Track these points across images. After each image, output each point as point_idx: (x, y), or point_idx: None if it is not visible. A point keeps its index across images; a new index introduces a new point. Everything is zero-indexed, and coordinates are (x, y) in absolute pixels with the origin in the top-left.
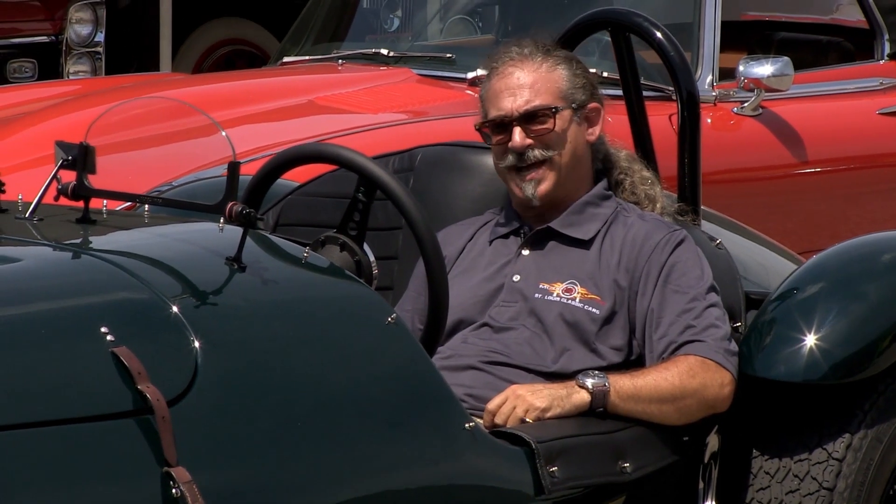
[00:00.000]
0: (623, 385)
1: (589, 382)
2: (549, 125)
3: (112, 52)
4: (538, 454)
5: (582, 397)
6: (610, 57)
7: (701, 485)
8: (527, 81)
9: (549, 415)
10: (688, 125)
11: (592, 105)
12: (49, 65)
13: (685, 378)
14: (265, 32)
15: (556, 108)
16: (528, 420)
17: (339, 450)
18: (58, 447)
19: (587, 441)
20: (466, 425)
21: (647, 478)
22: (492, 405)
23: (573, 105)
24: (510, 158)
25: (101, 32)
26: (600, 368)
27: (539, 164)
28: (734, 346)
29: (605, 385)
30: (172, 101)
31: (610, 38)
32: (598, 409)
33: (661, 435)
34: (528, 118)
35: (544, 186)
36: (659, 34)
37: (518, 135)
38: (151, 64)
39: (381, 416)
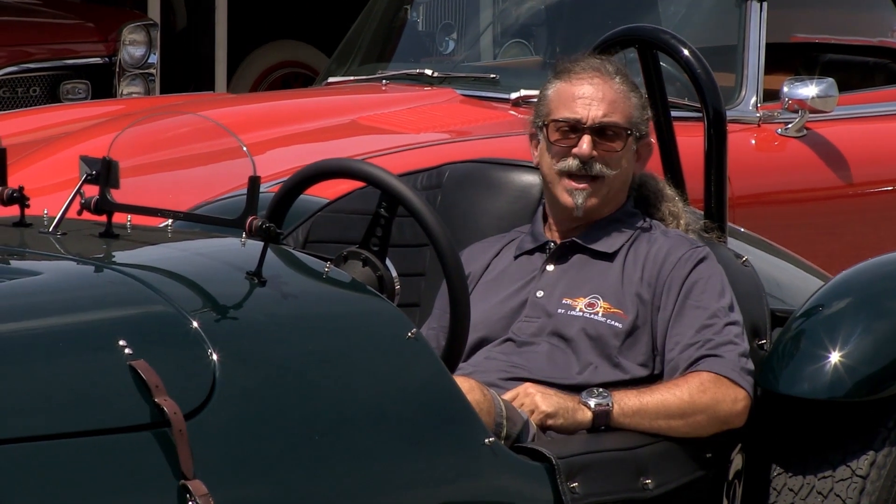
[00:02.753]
0: (628, 402)
1: (592, 402)
2: (618, 144)
3: (167, 75)
4: (559, 470)
5: (584, 415)
6: (674, 80)
7: (725, 502)
8: (608, 96)
9: (550, 422)
10: (714, 143)
11: (647, 140)
12: (102, 86)
13: (696, 394)
14: (321, 55)
15: (629, 130)
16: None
17: (358, 465)
18: (74, 459)
19: (608, 457)
20: (486, 441)
21: (670, 494)
22: (505, 396)
23: (636, 134)
24: (572, 163)
25: (155, 54)
26: (623, 382)
27: (596, 178)
28: (751, 364)
29: (608, 405)
30: (195, 116)
31: (637, 56)
32: (601, 428)
33: (684, 451)
34: (602, 131)
35: (592, 202)
36: (686, 51)
37: (587, 143)
38: (207, 86)
39: (401, 432)
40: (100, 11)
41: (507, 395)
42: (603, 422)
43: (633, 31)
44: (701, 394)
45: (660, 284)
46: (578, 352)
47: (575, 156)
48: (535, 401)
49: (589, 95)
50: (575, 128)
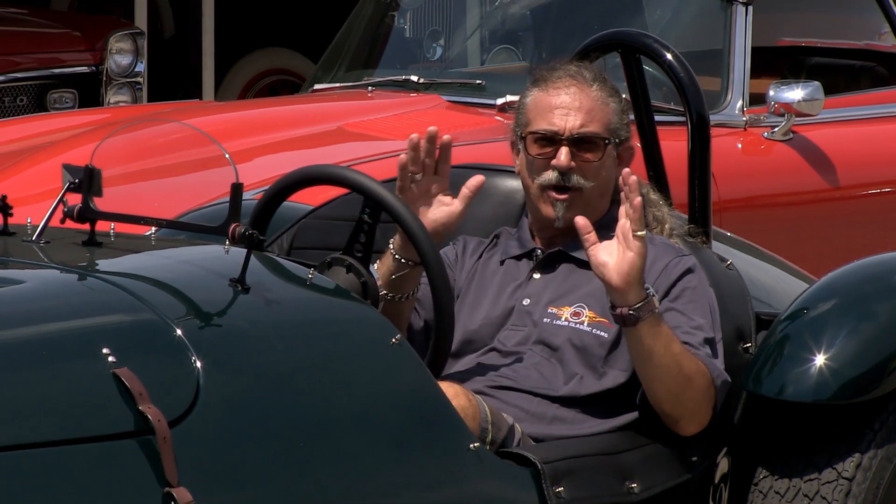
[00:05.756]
0: (665, 327)
1: (651, 291)
2: (597, 154)
3: (155, 83)
4: (544, 475)
5: (639, 292)
6: (661, 84)
7: None
8: (585, 105)
9: (627, 260)
10: (698, 147)
11: (629, 145)
12: (89, 95)
13: (698, 375)
14: (308, 62)
15: (608, 139)
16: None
17: (343, 472)
18: (59, 468)
19: (594, 461)
20: (472, 446)
21: (656, 498)
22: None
23: (616, 140)
24: (551, 175)
25: (142, 62)
26: (608, 392)
27: (574, 189)
28: (724, 389)
29: (656, 306)
30: (180, 125)
31: (620, 60)
32: (629, 315)
33: (670, 455)
34: (579, 142)
35: (572, 213)
36: (669, 55)
37: (565, 155)
38: (195, 94)
39: (386, 438)
40: (87, 20)
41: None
42: (644, 312)
43: (615, 35)
44: (700, 376)
45: None
46: (564, 362)
47: (554, 167)
48: (639, 248)
49: (566, 105)
50: (552, 139)
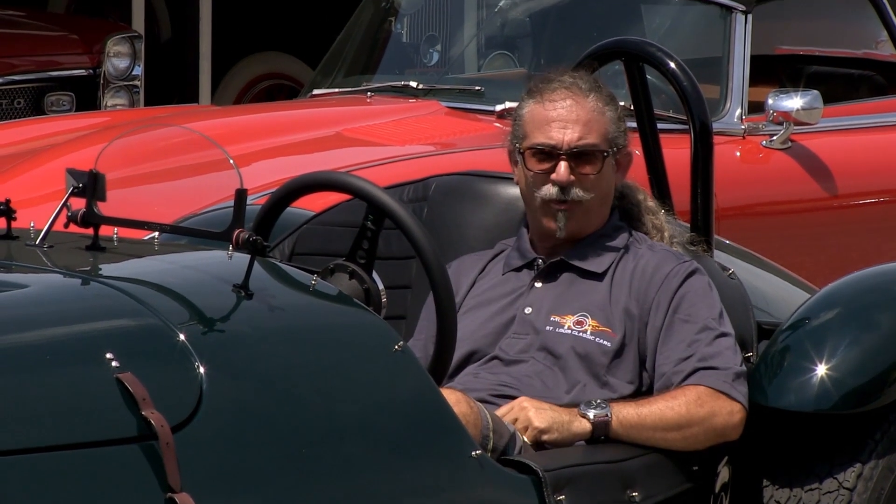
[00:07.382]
0: (627, 414)
1: (591, 413)
2: (596, 166)
3: (152, 86)
4: (545, 482)
5: (583, 426)
6: (659, 92)
7: None
8: (581, 117)
9: (546, 437)
10: (700, 156)
11: (627, 151)
12: (87, 98)
13: (693, 407)
14: (305, 67)
15: (606, 152)
16: (525, 438)
17: (345, 478)
18: (61, 472)
19: (595, 469)
20: (473, 453)
21: None
22: (499, 412)
23: (613, 149)
24: (552, 190)
25: (139, 66)
26: (611, 401)
27: (575, 202)
28: (744, 376)
29: (606, 415)
30: (181, 129)
31: (623, 69)
32: (601, 439)
33: (671, 464)
34: (578, 156)
35: (573, 224)
36: (672, 64)
37: (564, 169)
38: (191, 98)
39: (388, 444)
40: (84, 23)
41: (501, 410)
42: (602, 433)
43: (619, 43)
44: (698, 407)
45: (648, 300)
46: (567, 370)
47: (553, 182)
48: (529, 416)
49: (563, 118)
50: (551, 154)
